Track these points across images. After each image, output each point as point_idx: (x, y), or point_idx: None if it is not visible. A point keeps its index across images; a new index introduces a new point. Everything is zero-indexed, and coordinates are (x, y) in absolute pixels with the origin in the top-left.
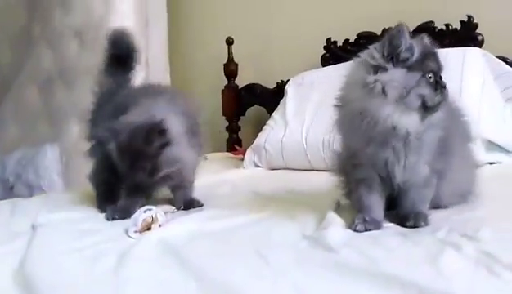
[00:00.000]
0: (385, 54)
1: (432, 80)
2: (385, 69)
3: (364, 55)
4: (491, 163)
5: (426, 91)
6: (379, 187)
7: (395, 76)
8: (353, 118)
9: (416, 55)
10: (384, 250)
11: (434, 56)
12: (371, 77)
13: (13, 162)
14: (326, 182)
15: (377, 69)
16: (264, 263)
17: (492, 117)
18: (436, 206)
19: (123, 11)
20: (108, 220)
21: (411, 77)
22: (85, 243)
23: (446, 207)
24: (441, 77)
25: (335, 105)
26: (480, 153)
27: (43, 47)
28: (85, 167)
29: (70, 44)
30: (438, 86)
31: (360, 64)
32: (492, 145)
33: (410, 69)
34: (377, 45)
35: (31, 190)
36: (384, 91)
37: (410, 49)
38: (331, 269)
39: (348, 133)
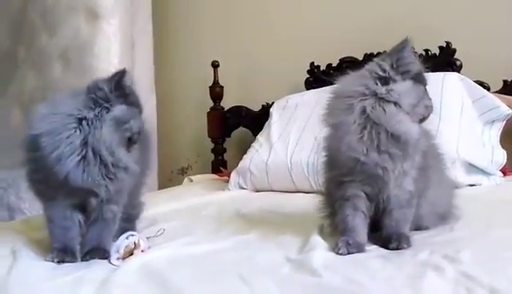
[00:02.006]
0: (394, 66)
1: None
2: (395, 81)
3: (371, 67)
4: (471, 185)
5: (429, 102)
6: (364, 207)
7: (407, 87)
8: (357, 127)
9: (419, 68)
10: (367, 273)
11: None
12: (383, 88)
13: None
14: (311, 204)
15: (385, 81)
16: (247, 288)
17: (471, 140)
18: (417, 227)
19: (108, 33)
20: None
21: (419, 89)
22: (66, 269)
23: (426, 227)
24: None
25: (329, 114)
26: (460, 175)
27: (28, 69)
28: None
29: (55, 66)
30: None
31: (363, 76)
32: (472, 168)
33: (414, 81)
34: (384, 58)
35: (12, 213)
36: (396, 101)
37: (415, 62)
38: (314, 293)
39: (347, 142)
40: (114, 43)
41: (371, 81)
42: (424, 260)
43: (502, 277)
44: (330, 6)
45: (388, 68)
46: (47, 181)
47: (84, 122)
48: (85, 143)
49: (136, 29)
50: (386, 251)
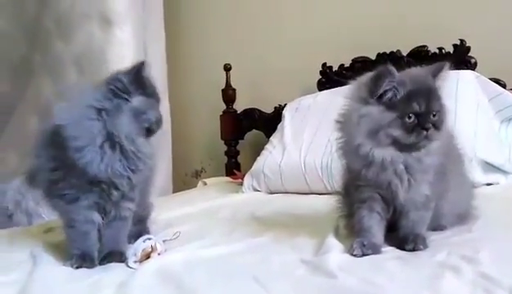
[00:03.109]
0: (369, 90)
1: (411, 121)
2: (367, 103)
3: (355, 83)
4: (488, 184)
5: (397, 132)
6: (380, 208)
7: (371, 111)
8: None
9: (400, 96)
10: (384, 275)
11: (424, 97)
12: (355, 106)
13: (12, 190)
14: (325, 205)
15: (363, 101)
16: (262, 290)
17: (488, 138)
18: (435, 227)
19: (122, 40)
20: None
21: (386, 117)
22: (85, 273)
23: (445, 227)
24: (429, 117)
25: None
26: (477, 174)
27: (43, 76)
28: None
29: (70, 72)
30: (417, 127)
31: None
32: (489, 166)
33: (389, 107)
34: (367, 78)
35: (30, 218)
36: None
37: (393, 89)
38: None
39: (348, 155)
40: (128, 49)
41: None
42: (441, 261)
43: None
44: (342, 6)
45: (364, 89)
46: (68, 178)
47: (104, 113)
48: (105, 133)
49: (149, 35)
50: (403, 252)
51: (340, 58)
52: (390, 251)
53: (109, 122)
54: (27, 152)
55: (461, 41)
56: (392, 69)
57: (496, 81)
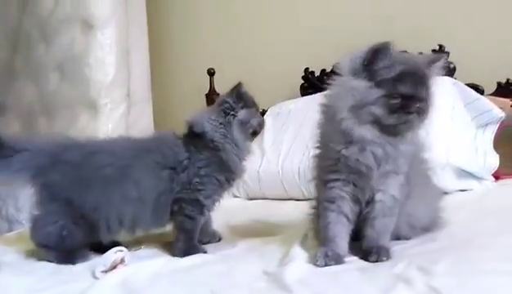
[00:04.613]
0: (363, 63)
1: (395, 102)
2: (358, 77)
3: (348, 56)
4: (462, 190)
5: (379, 111)
6: (348, 209)
7: (359, 85)
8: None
9: (391, 75)
10: (339, 287)
11: (415, 81)
12: (344, 79)
13: None
14: (302, 211)
15: (355, 74)
16: None
17: (463, 144)
18: (396, 237)
19: (104, 44)
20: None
21: (372, 94)
22: (47, 284)
23: (404, 238)
24: (416, 102)
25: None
26: (450, 180)
27: (25, 80)
28: None
29: (51, 77)
30: (400, 110)
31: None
32: (463, 172)
33: (378, 84)
34: (363, 50)
35: (11, 225)
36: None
37: (387, 67)
38: None
39: (329, 134)
40: (110, 53)
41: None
42: (398, 273)
43: (470, 291)
44: (323, 12)
45: (358, 61)
46: (217, 172)
47: (221, 126)
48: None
49: (132, 39)
50: (365, 263)
51: (322, 63)
52: (353, 262)
53: (225, 133)
54: None
55: (440, 46)
56: (388, 46)
57: (475, 86)
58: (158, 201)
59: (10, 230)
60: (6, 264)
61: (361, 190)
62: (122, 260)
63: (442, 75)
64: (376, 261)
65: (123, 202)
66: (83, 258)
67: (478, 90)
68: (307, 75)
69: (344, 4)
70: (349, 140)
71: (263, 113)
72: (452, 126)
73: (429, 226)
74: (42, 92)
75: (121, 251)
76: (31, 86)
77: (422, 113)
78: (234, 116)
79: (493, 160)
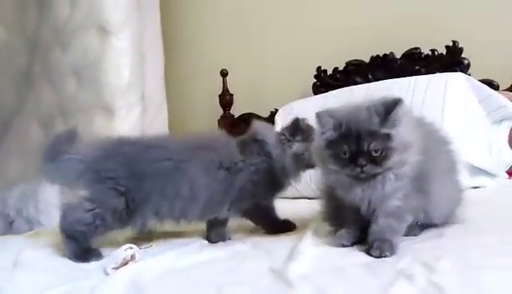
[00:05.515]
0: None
1: (345, 157)
2: (319, 138)
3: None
4: (474, 188)
5: (334, 167)
6: (351, 215)
7: (318, 146)
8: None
9: (334, 137)
10: (342, 283)
11: (354, 140)
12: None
13: (14, 197)
14: (313, 209)
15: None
16: None
17: (476, 141)
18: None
19: (119, 49)
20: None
21: (324, 153)
22: (59, 281)
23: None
24: (360, 156)
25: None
26: (463, 177)
27: (43, 85)
28: None
29: (69, 82)
30: (350, 164)
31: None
32: (477, 169)
33: (328, 145)
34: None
35: (31, 225)
36: None
37: (329, 131)
38: None
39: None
40: (125, 58)
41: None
42: (401, 269)
43: (471, 288)
44: (336, 11)
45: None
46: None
47: (278, 154)
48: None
49: (146, 43)
50: (370, 258)
51: (335, 61)
52: (359, 256)
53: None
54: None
55: (454, 42)
56: (332, 112)
57: (489, 82)
58: (210, 200)
59: (30, 230)
60: (21, 262)
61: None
62: (132, 257)
63: (455, 71)
64: (380, 256)
65: (175, 197)
66: (98, 257)
67: (493, 85)
68: (320, 74)
69: (356, 2)
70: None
71: (275, 112)
72: (465, 123)
73: (446, 218)
74: (60, 97)
75: (131, 248)
76: (49, 91)
77: (379, 160)
78: (289, 147)
79: (508, 157)
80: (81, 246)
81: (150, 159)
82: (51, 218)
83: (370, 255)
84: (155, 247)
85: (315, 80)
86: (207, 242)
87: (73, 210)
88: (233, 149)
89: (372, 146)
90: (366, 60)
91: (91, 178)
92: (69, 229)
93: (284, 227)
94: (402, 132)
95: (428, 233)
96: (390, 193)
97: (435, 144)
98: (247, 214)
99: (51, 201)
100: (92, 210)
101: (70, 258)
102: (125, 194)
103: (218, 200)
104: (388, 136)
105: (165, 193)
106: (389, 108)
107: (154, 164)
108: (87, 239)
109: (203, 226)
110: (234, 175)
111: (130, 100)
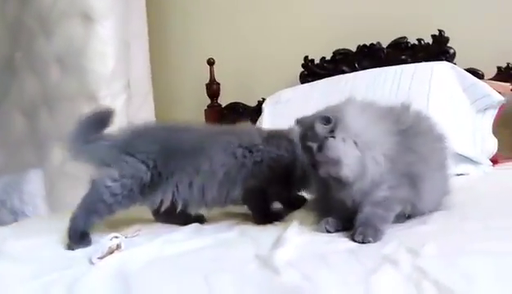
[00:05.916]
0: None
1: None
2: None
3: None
4: (458, 175)
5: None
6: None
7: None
8: None
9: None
10: (326, 269)
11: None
12: None
13: None
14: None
15: None
16: (206, 288)
17: (461, 129)
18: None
19: (104, 36)
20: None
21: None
22: (44, 270)
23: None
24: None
25: None
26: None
27: (27, 74)
28: (69, 191)
29: (52, 70)
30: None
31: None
32: (461, 157)
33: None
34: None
35: (15, 216)
36: None
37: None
38: (268, 292)
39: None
40: (109, 46)
41: None
42: (386, 254)
43: (456, 272)
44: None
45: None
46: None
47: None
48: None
49: (131, 31)
50: (354, 245)
51: (322, 51)
52: (344, 243)
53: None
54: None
55: (440, 31)
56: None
57: (474, 71)
58: (227, 175)
59: (14, 222)
60: (4, 252)
61: None
62: (118, 246)
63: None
64: (362, 242)
65: (196, 173)
66: (86, 244)
67: (478, 74)
68: (307, 63)
69: None
70: None
71: (262, 102)
72: (450, 111)
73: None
74: (44, 85)
75: (117, 237)
76: (32, 80)
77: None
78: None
79: (491, 145)
80: (85, 226)
81: (179, 139)
82: (36, 208)
83: (354, 240)
84: (141, 235)
85: (302, 69)
86: (193, 229)
87: (102, 180)
88: (256, 136)
89: (316, 156)
90: (353, 49)
91: (122, 158)
92: (95, 200)
93: (272, 218)
94: (333, 146)
95: (413, 220)
96: (368, 189)
97: (430, 142)
98: (246, 195)
99: (35, 192)
100: (120, 180)
101: (68, 237)
102: (152, 169)
103: (234, 176)
104: (310, 149)
105: (187, 169)
106: (311, 123)
107: (182, 144)
108: (109, 212)
109: None
110: (253, 153)
111: (115, 89)
